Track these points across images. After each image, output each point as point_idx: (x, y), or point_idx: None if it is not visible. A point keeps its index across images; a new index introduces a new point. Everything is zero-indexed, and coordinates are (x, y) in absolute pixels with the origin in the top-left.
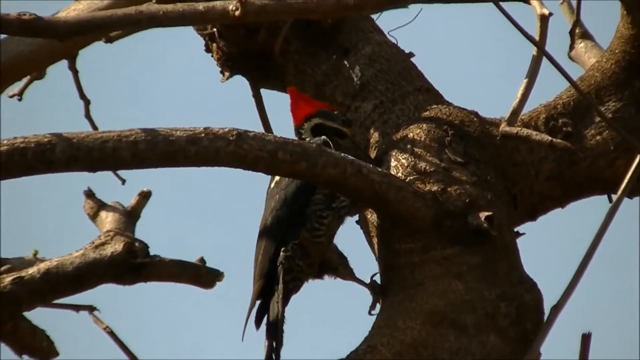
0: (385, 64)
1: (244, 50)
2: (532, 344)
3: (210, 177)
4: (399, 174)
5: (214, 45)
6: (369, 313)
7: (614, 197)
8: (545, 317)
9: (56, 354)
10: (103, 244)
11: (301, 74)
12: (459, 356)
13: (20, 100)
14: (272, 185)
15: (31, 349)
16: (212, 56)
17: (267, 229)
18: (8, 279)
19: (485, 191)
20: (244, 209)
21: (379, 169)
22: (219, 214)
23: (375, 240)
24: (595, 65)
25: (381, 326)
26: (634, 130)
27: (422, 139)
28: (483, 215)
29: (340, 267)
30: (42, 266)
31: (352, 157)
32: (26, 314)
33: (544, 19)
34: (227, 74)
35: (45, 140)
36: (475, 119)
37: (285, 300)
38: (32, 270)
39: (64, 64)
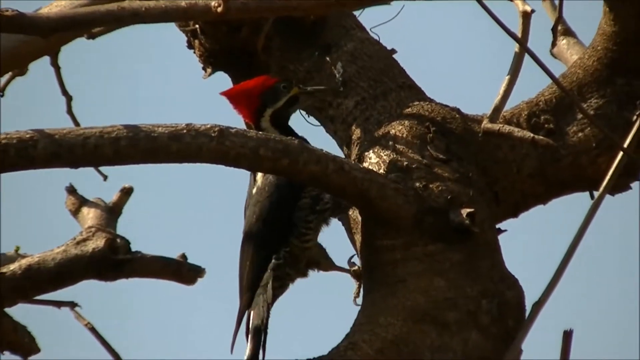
0: (367, 60)
1: (226, 47)
2: (513, 341)
3: (192, 173)
4: (381, 171)
5: (196, 41)
6: (354, 302)
7: (596, 194)
8: (527, 314)
9: (38, 350)
10: (85, 240)
11: (283, 71)
12: (441, 353)
13: (2, 96)
14: (254, 190)
15: (13, 345)
16: (195, 53)
17: (253, 237)
18: None
19: (467, 188)
20: (226, 206)
21: (361, 166)
22: (200, 211)
23: (357, 237)
24: (578, 62)
25: (362, 323)
26: (616, 128)
27: (404, 135)
28: (465, 212)
29: (322, 260)
30: (24, 262)
31: (335, 155)
32: (7, 310)
33: (526, 16)
34: (209, 70)
35: (27, 136)
36: (457, 115)
37: (271, 306)
38: (13, 267)
39: (46, 60)
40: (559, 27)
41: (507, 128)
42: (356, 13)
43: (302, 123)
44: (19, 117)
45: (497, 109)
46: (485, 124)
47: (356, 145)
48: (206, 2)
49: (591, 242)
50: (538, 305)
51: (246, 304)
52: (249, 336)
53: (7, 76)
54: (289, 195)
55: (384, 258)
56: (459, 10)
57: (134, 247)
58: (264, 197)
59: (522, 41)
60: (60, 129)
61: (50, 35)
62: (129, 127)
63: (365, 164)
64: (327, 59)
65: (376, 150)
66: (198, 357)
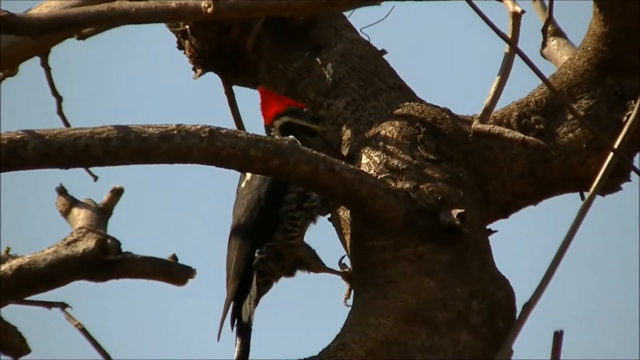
0: (357, 61)
1: (216, 48)
2: (504, 342)
3: (183, 174)
4: (371, 171)
5: (187, 42)
6: (345, 303)
7: (587, 194)
8: (518, 315)
9: (28, 351)
10: (75, 240)
11: (273, 71)
12: (431, 354)
13: None
14: (243, 184)
15: (3, 345)
16: (185, 53)
17: (240, 229)
18: None
19: (458, 189)
20: (216, 206)
21: (352, 167)
22: (191, 211)
23: (347, 237)
24: (568, 63)
25: (353, 324)
26: (606, 128)
27: (395, 136)
28: (455, 212)
29: (312, 262)
30: (14, 263)
31: (325, 155)
32: None
33: (517, 17)
34: (199, 71)
35: (18, 137)
36: (447, 116)
37: (256, 302)
38: (4, 267)
39: (36, 60)
40: (549, 28)
41: (497, 129)
42: (346, 13)
43: None
44: (10, 118)
45: (488, 109)
46: (476, 124)
47: (346, 146)
48: (196, 3)
49: (581, 242)
50: (529, 306)
51: (232, 295)
52: (237, 335)
53: None
54: (277, 188)
55: (375, 259)
56: (449, 11)
57: (124, 248)
58: (252, 189)
59: (512, 42)
60: (50, 130)
61: (40, 36)
62: (120, 127)
63: (356, 165)
64: (317, 59)
65: (366, 151)
66: (188, 357)
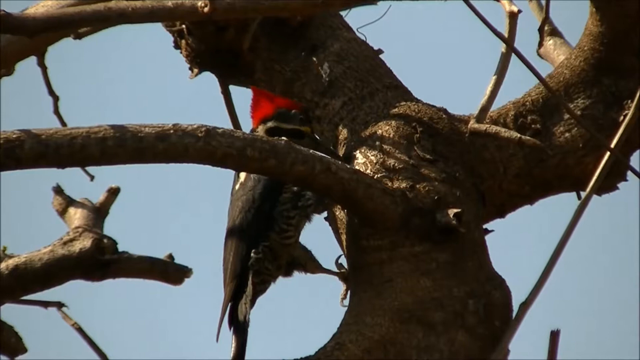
0: (353, 61)
1: (212, 47)
2: (500, 342)
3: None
4: (368, 171)
5: (183, 42)
6: (341, 303)
7: (583, 194)
8: (514, 315)
9: (25, 350)
10: (71, 240)
11: (270, 71)
12: (427, 353)
13: None
14: (237, 187)
15: (0, 345)
16: (181, 53)
17: (236, 230)
18: None
19: (454, 188)
20: (212, 206)
21: (348, 166)
22: (187, 211)
23: (343, 237)
24: (564, 63)
25: (349, 323)
26: (603, 128)
27: (391, 135)
28: (451, 212)
29: (308, 262)
30: (11, 262)
31: (322, 154)
32: None
33: (513, 16)
34: (195, 70)
35: (14, 136)
36: (444, 116)
37: (252, 302)
38: (0, 267)
39: (32, 60)
40: (546, 28)
41: (493, 128)
42: (342, 13)
43: None
44: (6, 117)
45: (484, 109)
46: (472, 124)
47: (343, 146)
48: (193, 3)
49: (578, 242)
50: (525, 305)
51: (229, 295)
52: (233, 334)
53: None
54: (271, 189)
55: (371, 258)
56: (446, 10)
57: (120, 247)
58: (246, 191)
59: (508, 41)
60: (47, 129)
61: (36, 35)
62: (116, 127)
63: (352, 165)
64: (314, 59)
65: (363, 150)
66: (185, 357)
